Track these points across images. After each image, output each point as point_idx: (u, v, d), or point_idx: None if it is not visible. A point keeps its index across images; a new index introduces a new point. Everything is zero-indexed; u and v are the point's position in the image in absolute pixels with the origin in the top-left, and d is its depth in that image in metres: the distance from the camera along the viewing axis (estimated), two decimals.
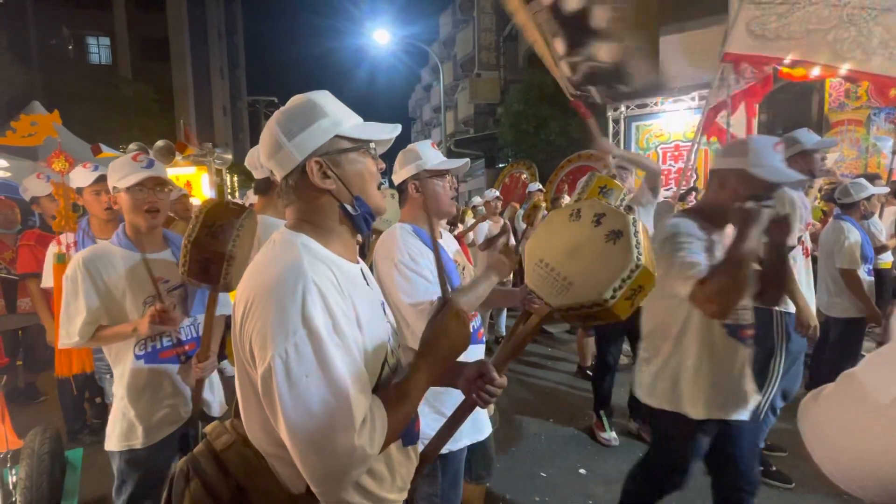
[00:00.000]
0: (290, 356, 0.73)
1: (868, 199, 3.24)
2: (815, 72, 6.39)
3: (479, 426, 1.65)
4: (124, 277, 1.58)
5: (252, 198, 4.41)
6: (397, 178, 1.63)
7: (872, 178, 3.59)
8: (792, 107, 8.32)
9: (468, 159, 1.69)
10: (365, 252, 5.09)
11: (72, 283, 1.54)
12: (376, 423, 0.79)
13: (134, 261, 1.61)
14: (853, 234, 3.06)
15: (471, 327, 0.95)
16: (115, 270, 1.57)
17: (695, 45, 8.37)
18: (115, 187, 1.62)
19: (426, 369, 0.88)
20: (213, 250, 1.44)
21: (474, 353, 1.59)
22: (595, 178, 2.14)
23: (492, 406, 1.77)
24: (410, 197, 1.60)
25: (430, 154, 1.58)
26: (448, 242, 1.71)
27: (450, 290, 1.51)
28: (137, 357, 1.58)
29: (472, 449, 1.74)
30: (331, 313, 0.77)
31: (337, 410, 0.74)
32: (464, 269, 1.72)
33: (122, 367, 1.59)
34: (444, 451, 1.52)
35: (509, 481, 2.65)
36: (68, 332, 1.56)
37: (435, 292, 1.44)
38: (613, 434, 3.04)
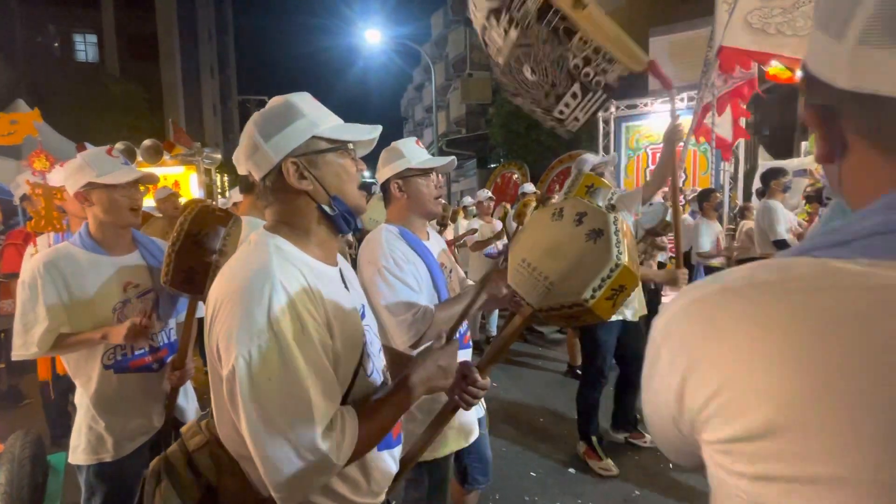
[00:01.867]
0: (253, 358, 0.73)
1: None
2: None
3: (464, 432, 1.62)
4: (91, 282, 1.46)
5: (236, 196, 4.38)
6: (380, 178, 1.57)
7: None
8: (778, 108, 8.43)
9: (454, 157, 1.62)
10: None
11: (30, 289, 1.42)
12: (346, 433, 0.78)
13: (100, 264, 1.49)
14: None
15: (455, 364, 0.98)
16: (80, 274, 1.45)
17: (683, 47, 8.47)
18: (90, 183, 1.48)
19: (410, 392, 0.88)
20: (198, 259, 1.38)
21: (459, 357, 1.58)
22: (582, 177, 2.06)
23: (482, 409, 1.76)
24: (394, 197, 1.55)
25: (414, 152, 1.52)
26: (435, 244, 1.67)
27: (440, 297, 1.50)
28: (106, 367, 1.48)
29: (468, 454, 1.71)
30: (298, 316, 0.77)
31: (299, 415, 0.73)
32: (451, 271, 1.68)
33: (88, 376, 1.49)
34: (428, 458, 1.50)
35: (499, 481, 2.65)
36: (25, 342, 1.43)
37: (419, 300, 1.41)
38: (610, 461, 2.74)
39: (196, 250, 1.38)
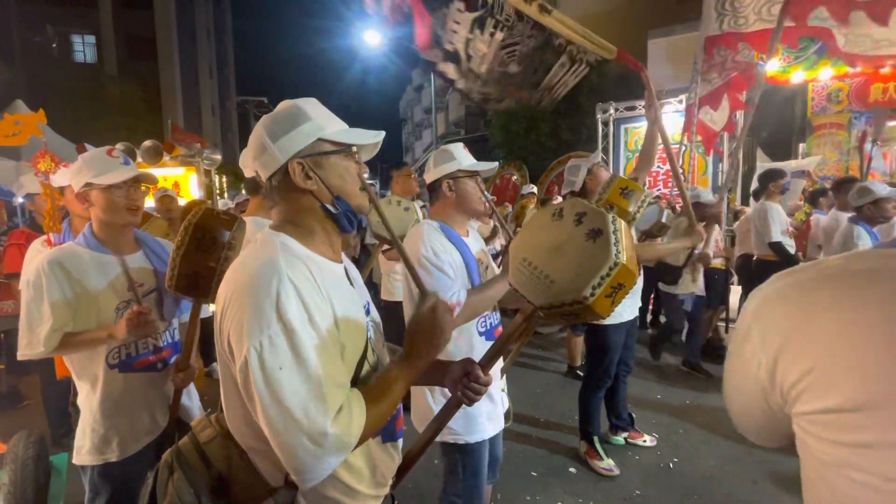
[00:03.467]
0: (264, 348, 0.75)
1: (874, 203, 3.04)
2: (800, 76, 6.50)
3: (494, 420, 1.69)
4: (95, 282, 1.47)
5: (244, 196, 4.42)
6: (430, 177, 1.68)
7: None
8: (776, 111, 8.47)
9: (497, 162, 1.77)
10: (361, 258, 5.05)
11: (34, 289, 1.42)
12: (353, 413, 0.81)
13: (104, 263, 1.50)
14: (862, 239, 2.97)
15: (452, 317, 0.98)
16: (85, 274, 1.46)
17: (681, 48, 8.50)
18: (88, 183, 1.49)
19: (410, 365, 0.92)
20: (203, 264, 1.38)
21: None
22: (616, 179, 2.07)
23: (506, 401, 1.81)
24: (443, 195, 1.66)
25: (463, 155, 1.66)
26: (474, 241, 1.76)
27: (473, 285, 1.56)
28: (111, 366, 1.48)
29: None
30: (306, 308, 0.80)
31: (311, 400, 0.76)
32: (487, 268, 1.76)
33: (94, 377, 1.49)
34: (462, 442, 1.60)
35: (500, 481, 2.64)
36: (30, 341, 1.43)
37: (453, 286, 1.50)
38: (611, 461, 2.76)
39: (200, 254, 1.39)
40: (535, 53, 2.36)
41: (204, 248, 1.39)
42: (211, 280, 1.39)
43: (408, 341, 0.94)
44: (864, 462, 0.39)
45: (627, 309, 2.74)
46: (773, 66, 6.52)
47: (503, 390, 1.80)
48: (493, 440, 1.73)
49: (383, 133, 0.98)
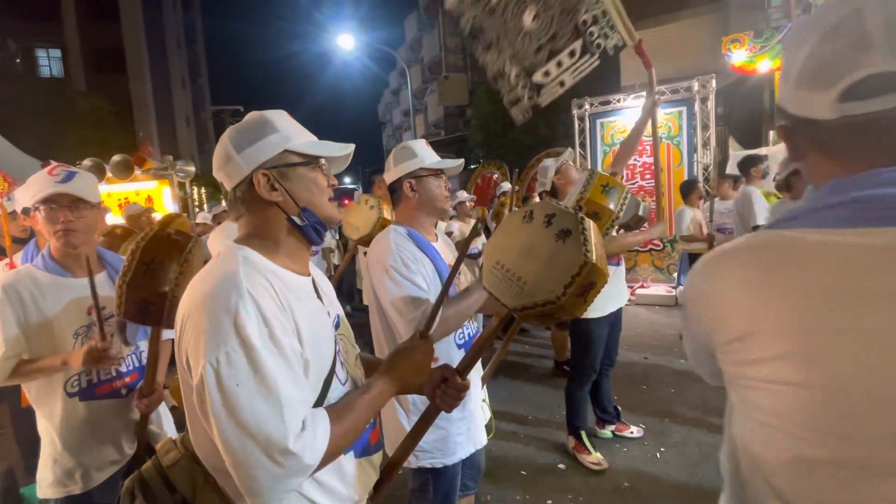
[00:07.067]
0: (221, 364, 0.73)
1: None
2: (766, 65, 6.66)
3: (473, 438, 1.60)
4: (52, 306, 1.41)
5: (222, 207, 4.35)
6: (390, 177, 1.55)
7: None
8: (745, 99, 8.68)
9: (462, 159, 1.62)
10: (333, 261, 4.99)
11: None
12: (317, 434, 0.78)
13: (62, 286, 1.44)
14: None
15: (434, 356, 1.01)
16: (41, 298, 1.40)
17: (653, 44, 8.65)
18: (27, 207, 1.43)
19: (383, 389, 0.90)
20: (151, 290, 1.30)
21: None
22: (596, 177, 1.96)
23: (488, 413, 1.75)
24: (405, 197, 1.53)
25: (425, 152, 1.53)
26: (444, 245, 1.65)
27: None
28: (70, 395, 1.41)
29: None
30: (266, 323, 0.77)
31: (269, 419, 0.73)
32: (460, 273, 1.68)
33: (50, 406, 1.43)
34: (437, 465, 1.51)
35: (490, 481, 2.65)
36: None
37: (427, 299, 1.39)
38: (599, 455, 2.76)
39: (149, 281, 1.31)
40: (560, 15, 2.04)
41: (153, 274, 1.30)
42: (163, 306, 1.31)
43: (390, 368, 0.93)
44: (745, 374, 0.60)
45: (610, 302, 2.75)
46: (740, 57, 6.68)
47: (484, 401, 1.74)
48: (474, 452, 1.67)
49: (352, 146, 0.96)
